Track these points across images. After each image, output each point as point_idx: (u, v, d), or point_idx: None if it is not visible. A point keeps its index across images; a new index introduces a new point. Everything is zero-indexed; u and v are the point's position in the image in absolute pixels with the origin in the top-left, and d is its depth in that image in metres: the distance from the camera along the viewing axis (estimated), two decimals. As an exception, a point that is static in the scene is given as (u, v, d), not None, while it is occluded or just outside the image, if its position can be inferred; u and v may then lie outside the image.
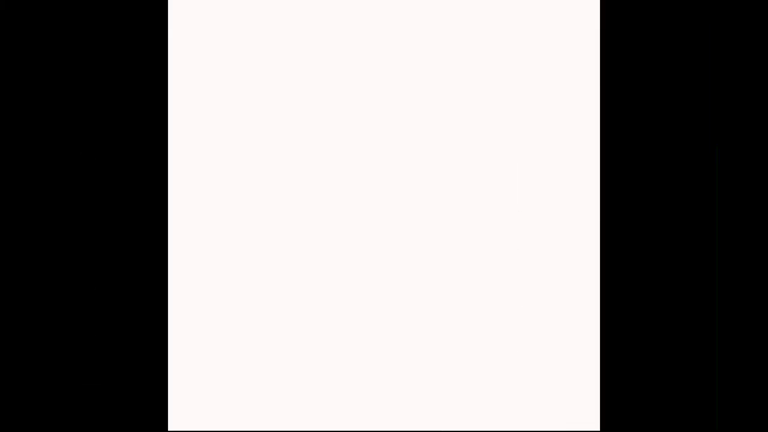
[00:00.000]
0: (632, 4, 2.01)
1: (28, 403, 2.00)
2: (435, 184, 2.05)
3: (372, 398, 2.05)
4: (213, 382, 2.05)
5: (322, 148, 2.05)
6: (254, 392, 2.05)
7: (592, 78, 2.04)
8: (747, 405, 2.00)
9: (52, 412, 2.00)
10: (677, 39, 2.00)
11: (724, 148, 1.99)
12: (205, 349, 2.04)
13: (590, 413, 2.04)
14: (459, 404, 2.05)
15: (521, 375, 2.05)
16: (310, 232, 2.05)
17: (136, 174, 2.01)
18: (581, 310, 2.04)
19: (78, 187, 2.00)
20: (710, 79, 1.96)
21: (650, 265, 2.02)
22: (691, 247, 2.02)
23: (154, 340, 2.01)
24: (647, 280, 2.02)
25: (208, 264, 2.05)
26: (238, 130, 2.05)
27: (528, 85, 2.05)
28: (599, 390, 2.03)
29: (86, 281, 2.00)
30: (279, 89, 2.06)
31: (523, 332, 2.05)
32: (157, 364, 2.02)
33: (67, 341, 2.00)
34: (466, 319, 2.05)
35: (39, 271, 1.99)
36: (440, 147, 2.05)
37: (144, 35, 1.99)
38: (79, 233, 2.00)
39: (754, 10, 1.98)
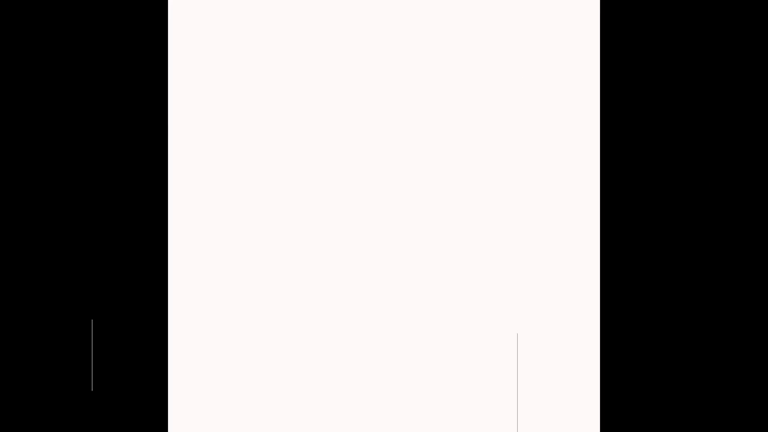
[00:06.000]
0: (632, 6, 2.02)
1: (28, 406, 1.98)
2: (435, 185, 2.06)
3: (370, 400, 2.05)
4: (212, 388, 2.04)
5: (322, 149, 2.05)
6: (252, 400, 2.04)
7: (592, 78, 2.06)
8: (745, 402, 2.02)
9: (53, 418, 1.99)
10: (676, 39, 2.02)
11: (720, 148, 2.00)
12: (204, 359, 2.04)
13: (590, 416, 2.05)
14: (455, 407, 2.05)
15: (521, 377, 2.06)
16: (310, 234, 2.05)
17: (136, 174, 2.00)
18: (581, 313, 2.05)
19: (78, 187, 1.99)
20: (709, 80, 1.98)
21: (649, 264, 2.03)
22: (688, 246, 2.03)
23: (154, 346, 2.01)
24: (646, 280, 2.03)
25: (209, 265, 2.04)
26: (237, 130, 2.05)
27: (528, 86, 2.06)
28: (599, 392, 2.04)
29: (86, 283, 1.99)
30: (278, 89, 2.05)
31: (524, 333, 2.05)
32: (157, 369, 2.01)
33: (67, 345, 1.99)
34: (464, 319, 2.05)
35: (37, 272, 1.98)
36: (440, 148, 2.06)
37: (144, 35, 1.98)
38: (79, 233, 1.99)
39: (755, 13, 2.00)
